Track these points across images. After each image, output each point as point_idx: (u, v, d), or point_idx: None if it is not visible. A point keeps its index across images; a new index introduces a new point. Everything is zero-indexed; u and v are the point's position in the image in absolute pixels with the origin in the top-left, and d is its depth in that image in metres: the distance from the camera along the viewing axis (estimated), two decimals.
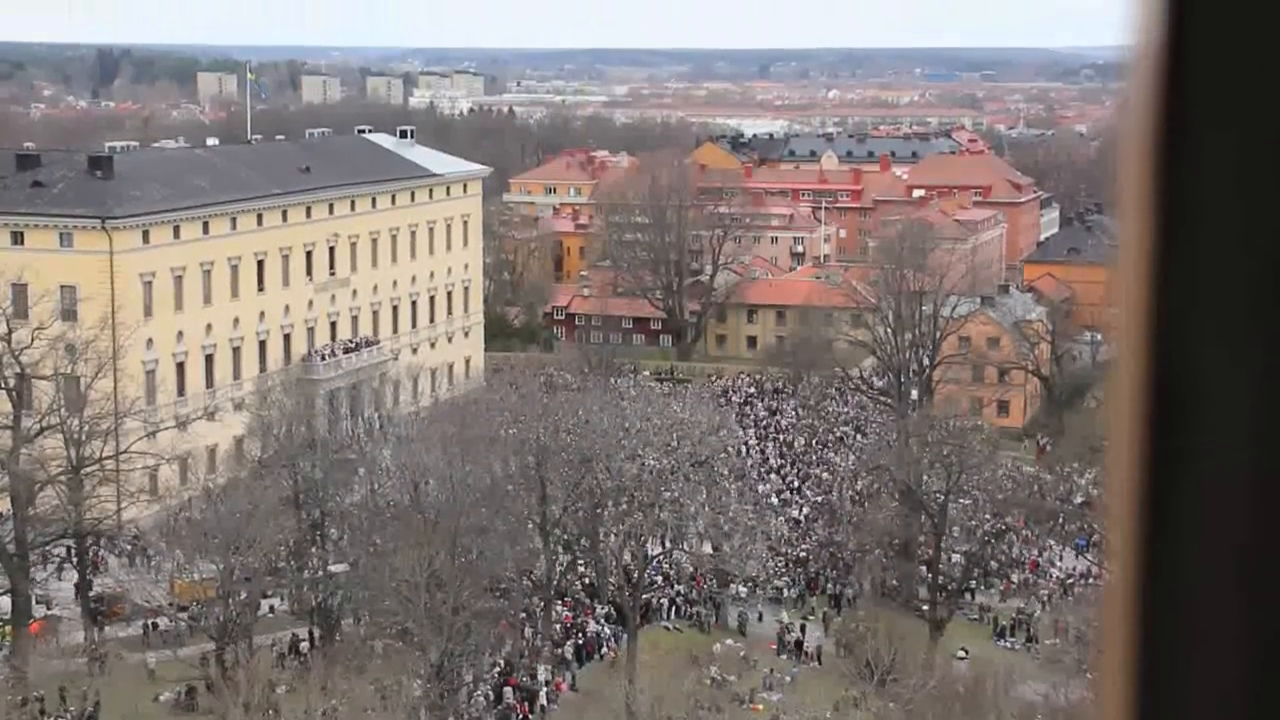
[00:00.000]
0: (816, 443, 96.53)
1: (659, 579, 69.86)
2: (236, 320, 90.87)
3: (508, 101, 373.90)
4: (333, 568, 62.69)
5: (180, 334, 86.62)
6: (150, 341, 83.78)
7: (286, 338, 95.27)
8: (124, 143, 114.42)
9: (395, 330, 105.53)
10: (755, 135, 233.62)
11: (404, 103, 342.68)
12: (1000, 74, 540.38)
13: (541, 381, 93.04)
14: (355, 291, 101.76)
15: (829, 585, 73.16)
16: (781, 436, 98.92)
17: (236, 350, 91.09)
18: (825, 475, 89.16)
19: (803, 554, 76.59)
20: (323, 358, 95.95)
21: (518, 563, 62.18)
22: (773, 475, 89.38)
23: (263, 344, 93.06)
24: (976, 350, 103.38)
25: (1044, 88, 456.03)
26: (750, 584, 70.72)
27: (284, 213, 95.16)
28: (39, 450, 66.14)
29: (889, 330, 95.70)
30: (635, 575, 63.68)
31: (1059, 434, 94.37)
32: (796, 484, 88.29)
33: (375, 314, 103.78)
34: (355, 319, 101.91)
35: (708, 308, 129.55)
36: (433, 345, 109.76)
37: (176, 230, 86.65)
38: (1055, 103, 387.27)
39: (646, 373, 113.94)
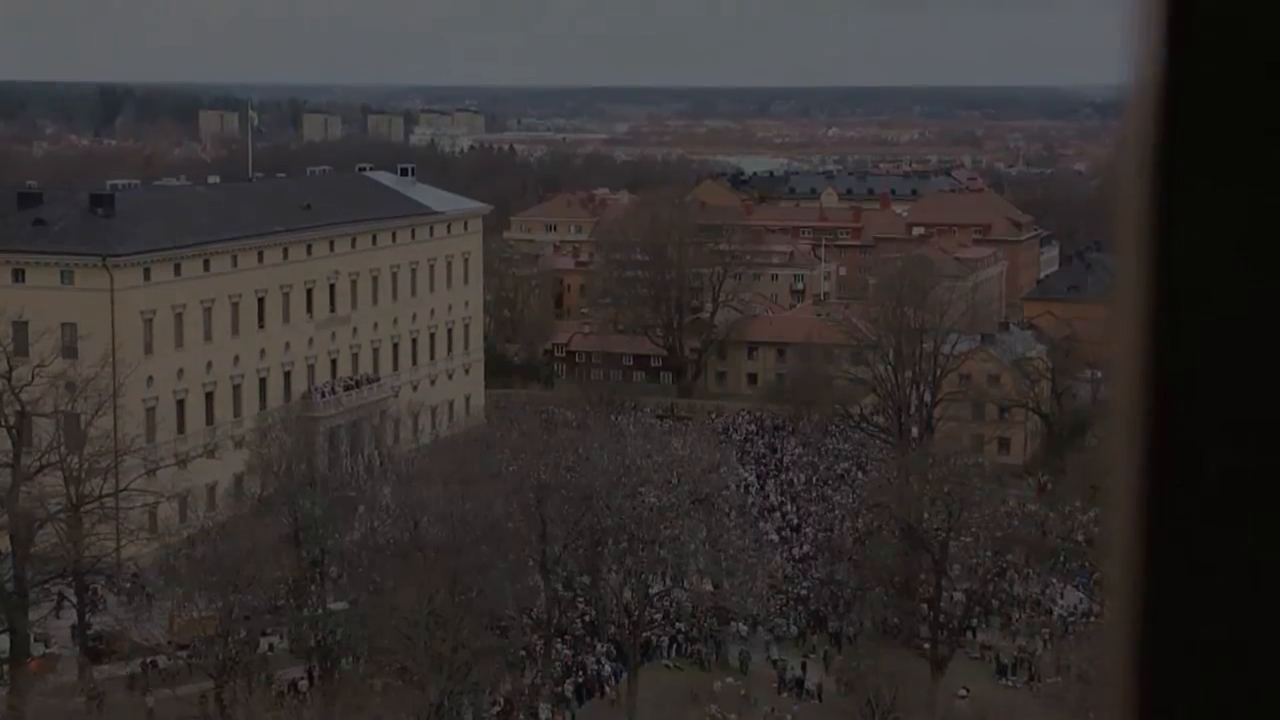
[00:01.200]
0: (817, 480, 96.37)
1: (659, 616, 69.66)
2: (237, 358, 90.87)
3: (508, 139, 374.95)
4: (332, 606, 62.58)
5: (181, 371, 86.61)
6: (150, 379, 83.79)
7: (287, 375, 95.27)
8: (125, 180, 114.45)
9: (396, 367, 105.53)
10: (755, 173, 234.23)
11: (405, 140, 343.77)
12: (1000, 112, 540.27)
13: (542, 419, 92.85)
14: (356, 329, 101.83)
15: (830, 623, 72.95)
16: (782, 474, 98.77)
17: (237, 387, 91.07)
18: (826, 512, 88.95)
19: (803, 592, 76.40)
20: (323, 395, 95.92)
21: (518, 600, 62.07)
22: (773, 512, 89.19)
23: (263, 381, 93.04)
24: (977, 387, 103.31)
25: (1044, 126, 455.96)
26: (751, 622, 70.50)
27: (285, 250, 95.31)
28: (38, 488, 66.08)
29: (889, 367, 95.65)
30: (635, 613, 63.51)
31: (1060, 471, 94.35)
32: (797, 521, 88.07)
33: (376, 351, 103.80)
34: (356, 356, 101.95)
35: (708, 345, 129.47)
36: (433, 382, 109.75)
37: (177, 268, 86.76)
38: (1055, 141, 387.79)
39: (647, 410, 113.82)
